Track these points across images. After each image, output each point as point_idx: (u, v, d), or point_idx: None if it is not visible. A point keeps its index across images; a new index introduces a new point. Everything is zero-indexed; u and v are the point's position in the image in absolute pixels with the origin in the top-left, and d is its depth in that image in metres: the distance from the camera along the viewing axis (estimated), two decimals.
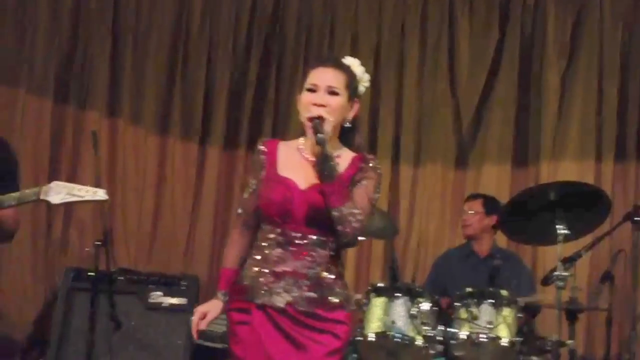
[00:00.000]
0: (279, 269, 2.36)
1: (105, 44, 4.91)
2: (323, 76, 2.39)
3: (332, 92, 2.38)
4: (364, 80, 2.50)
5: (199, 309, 2.45)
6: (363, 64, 4.83)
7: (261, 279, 2.37)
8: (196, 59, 5.00)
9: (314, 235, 2.36)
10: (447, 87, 4.97)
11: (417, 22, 5.00)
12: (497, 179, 4.85)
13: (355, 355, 3.73)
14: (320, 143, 2.32)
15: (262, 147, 2.44)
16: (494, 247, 4.32)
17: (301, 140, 2.44)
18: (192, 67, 5.01)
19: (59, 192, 2.58)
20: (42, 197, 2.58)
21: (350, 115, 2.44)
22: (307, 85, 2.40)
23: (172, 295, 4.34)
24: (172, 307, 4.32)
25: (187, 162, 4.98)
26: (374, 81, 4.95)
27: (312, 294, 2.36)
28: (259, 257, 2.39)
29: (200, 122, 4.99)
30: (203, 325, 2.43)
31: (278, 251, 2.36)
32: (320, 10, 5.06)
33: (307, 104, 2.38)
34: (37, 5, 4.84)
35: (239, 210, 2.47)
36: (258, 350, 2.35)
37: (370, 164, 2.42)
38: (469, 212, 4.30)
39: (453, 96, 4.98)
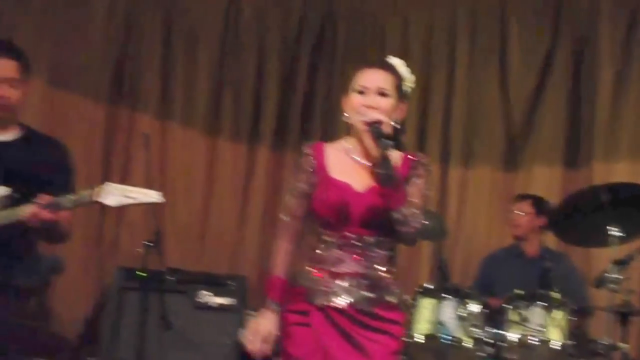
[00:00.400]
0: (338, 270, 2.36)
1: (157, 48, 4.98)
2: (372, 78, 2.39)
3: (382, 94, 2.38)
4: (409, 80, 2.50)
5: (260, 332, 2.37)
6: (413, 65, 4.79)
7: (320, 281, 2.37)
8: (245, 62, 5.04)
9: (372, 236, 2.36)
10: (497, 88, 4.91)
11: (467, 24, 4.96)
12: (548, 181, 4.78)
13: (404, 357, 3.70)
14: (384, 147, 2.31)
15: (309, 151, 2.43)
16: (543, 248, 4.25)
17: (344, 141, 2.44)
18: (241, 69, 5.05)
19: (113, 194, 2.60)
20: (97, 199, 2.60)
21: (398, 116, 2.43)
22: (356, 87, 2.40)
23: (221, 295, 4.37)
24: (221, 307, 4.34)
25: (236, 163, 5.03)
26: (424, 83, 4.94)
27: (371, 294, 2.36)
28: (316, 260, 2.40)
29: (249, 123, 5.03)
30: (268, 349, 2.37)
31: (336, 252, 2.37)
32: (371, 11, 5.04)
33: (358, 106, 2.38)
34: (91, 11, 4.93)
35: (284, 217, 2.46)
36: (317, 351, 2.35)
37: (422, 161, 2.43)
38: (519, 212, 4.24)
39: (503, 97, 4.92)
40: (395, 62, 2.48)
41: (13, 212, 2.68)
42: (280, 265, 2.42)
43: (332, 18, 5.07)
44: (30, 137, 2.92)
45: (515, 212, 4.26)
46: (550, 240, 4.32)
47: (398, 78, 2.44)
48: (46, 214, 2.64)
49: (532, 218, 4.22)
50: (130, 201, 2.63)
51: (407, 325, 3.67)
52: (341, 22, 5.06)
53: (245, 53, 5.04)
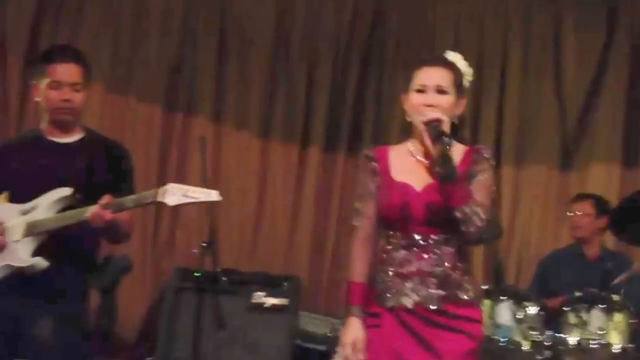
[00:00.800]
0: (405, 270, 2.35)
1: (211, 53, 5.04)
2: (431, 76, 2.38)
3: (442, 91, 2.37)
4: (468, 74, 2.48)
5: (347, 341, 2.37)
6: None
7: (389, 282, 2.37)
8: (297, 65, 5.06)
9: (436, 234, 2.35)
10: (551, 86, 4.83)
11: (520, 20, 4.89)
12: (606, 180, 4.68)
13: None
14: (443, 145, 2.29)
15: (373, 155, 2.44)
16: (604, 250, 4.15)
17: (409, 143, 2.43)
18: (293, 72, 5.07)
19: (174, 194, 2.62)
20: (159, 199, 2.63)
21: (458, 111, 2.42)
22: (415, 86, 2.38)
23: (274, 296, 4.38)
24: (274, 307, 4.35)
25: (288, 165, 5.05)
26: (476, 82, 4.87)
27: (440, 292, 2.34)
28: (384, 261, 2.40)
29: (301, 125, 5.05)
30: (362, 357, 2.36)
31: (402, 253, 2.36)
32: (422, 11, 5.02)
33: (418, 106, 2.37)
34: (147, 17, 5.01)
35: (355, 222, 2.45)
36: (389, 353, 2.34)
37: (484, 155, 2.40)
38: (579, 213, 4.14)
39: (558, 95, 4.83)
40: (454, 57, 2.47)
41: (77, 212, 2.73)
42: (357, 271, 2.42)
43: (381, 21, 5.05)
44: (91, 140, 2.96)
45: (576, 212, 4.17)
46: (609, 240, 4.22)
47: (457, 74, 2.42)
48: (109, 215, 2.67)
49: (593, 219, 4.12)
50: (190, 200, 2.65)
51: None
52: (391, 24, 5.03)
53: (297, 56, 5.06)
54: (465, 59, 4.96)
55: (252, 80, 5.06)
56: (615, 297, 3.52)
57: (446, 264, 2.34)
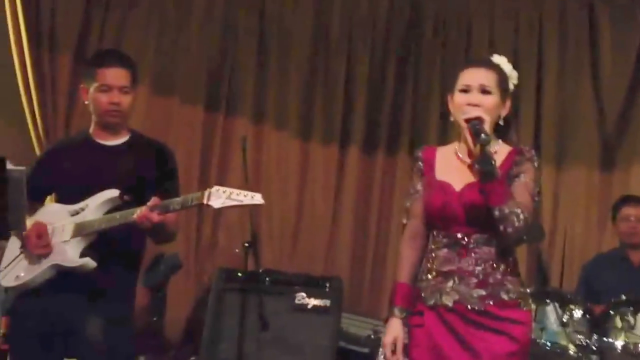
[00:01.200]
0: (446, 268, 2.37)
1: (251, 54, 5.06)
2: (475, 76, 2.41)
3: (485, 91, 2.39)
4: (513, 77, 2.50)
5: (387, 342, 2.39)
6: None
7: (431, 281, 2.39)
8: (336, 66, 5.05)
9: (477, 233, 2.36)
10: (589, 83, 4.74)
11: (556, 18, 4.80)
12: None
13: None
14: (483, 143, 2.31)
15: (420, 154, 2.49)
16: None
17: (456, 143, 2.46)
18: (332, 73, 5.06)
19: (219, 197, 2.65)
20: (204, 201, 2.66)
21: (504, 113, 2.43)
22: (460, 86, 2.42)
23: (316, 297, 4.36)
24: (316, 308, 4.34)
25: (327, 166, 5.04)
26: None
27: (481, 291, 2.33)
28: (428, 260, 2.43)
29: (340, 125, 5.04)
30: (401, 357, 2.38)
31: (444, 252, 2.38)
32: (458, 10, 4.98)
33: (461, 105, 2.39)
34: (189, 20, 5.04)
35: (404, 220, 2.50)
36: (432, 351, 2.35)
37: (527, 156, 2.40)
38: (632, 217, 4.03)
39: (596, 93, 4.74)
40: (499, 60, 2.49)
41: (125, 214, 2.76)
42: (403, 271, 2.44)
43: (418, 21, 5.01)
44: (137, 141, 3.01)
45: (630, 219, 4.05)
46: None
47: (502, 75, 2.44)
48: (156, 217, 2.70)
49: None
50: (234, 203, 2.67)
51: None
52: (428, 20, 4.99)
53: (336, 56, 5.06)
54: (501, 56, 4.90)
55: (291, 80, 5.06)
56: None
57: (486, 263, 2.34)
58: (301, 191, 5.05)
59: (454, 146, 2.47)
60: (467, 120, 2.35)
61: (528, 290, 3.53)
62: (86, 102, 2.98)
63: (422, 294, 2.39)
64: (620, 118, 4.70)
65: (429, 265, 2.41)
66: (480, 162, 2.32)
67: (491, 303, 2.32)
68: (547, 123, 4.79)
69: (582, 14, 4.78)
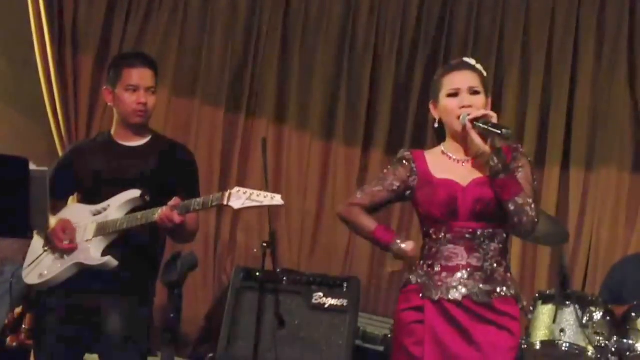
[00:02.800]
0: (452, 263, 2.38)
1: (274, 55, 5.03)
2: (462, 79, 2.44)
3: (475, 92, 2.42)
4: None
5: (410, 248, 2.42)
6: (534, 62, 4.55)
7: (435, 276, 2.39)
8: (360, 67, 4.99)
9: (483, 229, 2.38)
10: (625, 84, 4.64)
11: (593, 15, 4.70)
12: None
13: None
14: (507, 137, 2.32)
15: (409, 155, 2.49)
16: None
17: (441, 146, 2.48)
18: (356, 75, 5.00)
19: (239, 198, 2.65)
20: (225, 202, 2.66)
21: (488, 110, 2.45)
22: (447, 91, 2.44)
23: (334, 297, 4.35)
24: (333, 307, 4.33)
25: (349, 167, 4.99)
26: (545, 80, 4.75)
27: (487, 286, 2.36)
28: (429, 257, 2.42)
29: (363, 128, 4.98)
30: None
31: (449, 247, 2.38)
32: (490, 12, 4.89)
33: (454, 109, 2.41)
34: (211, 22, 5.03)
35: (358, 194, 2.51)
36: (434, 345, 2.35)
37: (522, 152, 2.45)
38: None
39: (632, 94, 4.64)
40: (471, 62, 2.51)
41: (146, 214, 2.77)
42: (370, 220, 2.48)
43: (447, 22, 4.94)
44: (159, 143, 3.02)
45: None
46: None
47: (483, 75, 2.47)
48: (177, 217, 2.71)
49: None
50: (254, 204, 2.68)
51: (525, 331, 3.55)
52: (458, 21, 4.92)
53: (361, 57, 5.00)
54: (534, 55, 4.80)
55: (314, 81, 5.02)
56: None
57: (492, 259, 2.38)
58: (322, 192, 5.01)
59: (440, 149, 2.48)
60: (473, 120, 2.36)
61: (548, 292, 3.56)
62: (109, 104, 3.00)
63: (422, 289, 2.38)
64: None
65: (430, 260, 2.40)
66: (496, 157, 2.35)
67: (496, 298, 2.36)
68: (579, 123, 4.69)
69: (621, 11, 4.68)
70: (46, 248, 2.89)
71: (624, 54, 4.67)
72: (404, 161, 2.47)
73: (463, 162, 2.43)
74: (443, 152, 2.46)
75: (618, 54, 4.68)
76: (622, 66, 4.66)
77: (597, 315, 3.43)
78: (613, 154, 4.65)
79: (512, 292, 2.38)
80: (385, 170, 2.53)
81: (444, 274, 2.37)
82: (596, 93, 4.70)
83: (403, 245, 2.41)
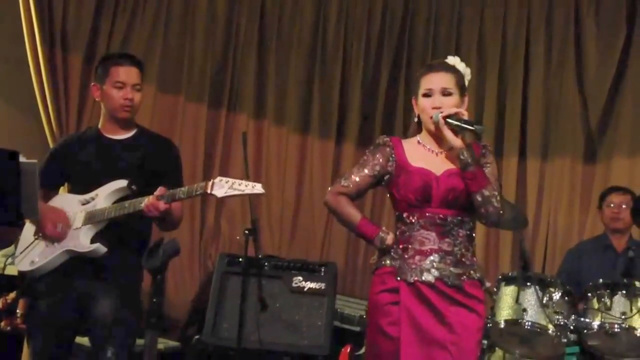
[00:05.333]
0: (425, 247, 2.41)
1: (251, 56, 5.03)
2: (435, 80, 2.48)
3: (447, 93, 2.47)
4: (467, 74, 2.57)
5: (391, 240, 2.46)
6: (490, 62, 4.62)
7: (409, 259, 2.41)
8: (331, 67, 5.02)
9: (453, 216, 2.42)
10: (574, 77, 4.70)
11: (543, 13, 4.76)
12: (629, 173, 4.54)
13: (485, 342, 3.60)
14: (479, 132, 2.39)
15: (388, 141, 2.51)
16: (630, 240, 4.03)
17: (417, 137, 2.53)
18: (327, 74, 5.03)
19: (222, 187, 2.65)
20: (208, 190, 2.66)
21: (463, 108, 2.49)
22: (423, 91, 2.49)
23: (313, 280, 4.37)
24: (312, 290, 4.34)
25: (324, 159, 5.02)
26: (501, 76, 4.80)
27: (457, 269, 2.40)
28: (402, 241, 2.44)
29: (336, 123, 5.02)
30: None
31: (422, 232, 2.41)
32: (448, 10, 4.94)
33: (427, 108, 2.47)
34: (193, 22, 5.02)
35: (344, 182, 2.53)
36: (410, 325, 2.37)
37: (490, 149, 2.52)
38: (622, 206, 4.00)
39: (580, 89, 4.70)
40: (453, 60, 2.56)
41: (133, 203, 2.77)
42: (355, 211, 2.51)
43: (411, 20, 4.97)
44: (144, 136, 3.02)
45: (621, 205, 4.01)
46: (635, 232, 4.10)
47: (458, 76, 2.51)
48: (163, 205, 2.71)
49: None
50: (236, 192, 2.67)
51: (490, 310, 3.57)
52: (420, 19, 4.96)
53: (332, 56, 5.03)
54: (489, 53, 4.84)
55: (290, 79, 5.04)
56: (638, 284, 3.42)
57: (461, 245, 2.42)
58: (299, 183, 5.03)
59: (416, 139, 2.52)
60: (446, 117, 2.41)
61: (510, 274, 3.59)
62: (97, 99, 2.99)
63: (397, 272, 2.40)
64: (604, 111, 4.66)
65: (404, 244, 2.42)
66: (466, 152, 2.41)
67: (465, 280, 2.39)
68: (532, 116, 4.75)
69: (568, 9, 4.73)
70: (37, 236, 2.87)
71: (571, 53, 4.72)
72: (383, 147, 2.49)
73: (437, 153, 2.47)
74: (419, 142, 2.50)
75: (566, 54, 4.74)
76: (570, 65, 4.72)
77: (557, 296, 3.45)
78: (566, 146, 4.71)
79: (478, 275, 2.42)
80: (364, 156, 2.53)
81: (417, 257, 2.39)
82: (548, 90, 4.76)
83: (387, 238, 2.45)
